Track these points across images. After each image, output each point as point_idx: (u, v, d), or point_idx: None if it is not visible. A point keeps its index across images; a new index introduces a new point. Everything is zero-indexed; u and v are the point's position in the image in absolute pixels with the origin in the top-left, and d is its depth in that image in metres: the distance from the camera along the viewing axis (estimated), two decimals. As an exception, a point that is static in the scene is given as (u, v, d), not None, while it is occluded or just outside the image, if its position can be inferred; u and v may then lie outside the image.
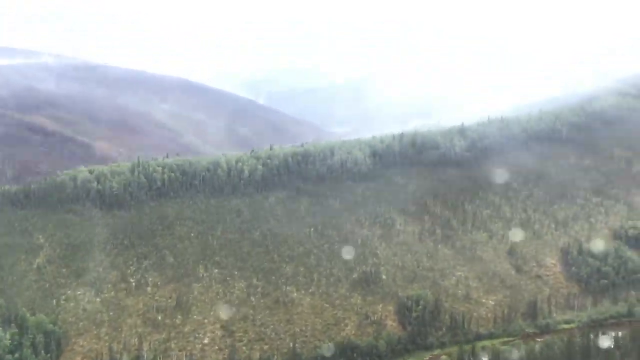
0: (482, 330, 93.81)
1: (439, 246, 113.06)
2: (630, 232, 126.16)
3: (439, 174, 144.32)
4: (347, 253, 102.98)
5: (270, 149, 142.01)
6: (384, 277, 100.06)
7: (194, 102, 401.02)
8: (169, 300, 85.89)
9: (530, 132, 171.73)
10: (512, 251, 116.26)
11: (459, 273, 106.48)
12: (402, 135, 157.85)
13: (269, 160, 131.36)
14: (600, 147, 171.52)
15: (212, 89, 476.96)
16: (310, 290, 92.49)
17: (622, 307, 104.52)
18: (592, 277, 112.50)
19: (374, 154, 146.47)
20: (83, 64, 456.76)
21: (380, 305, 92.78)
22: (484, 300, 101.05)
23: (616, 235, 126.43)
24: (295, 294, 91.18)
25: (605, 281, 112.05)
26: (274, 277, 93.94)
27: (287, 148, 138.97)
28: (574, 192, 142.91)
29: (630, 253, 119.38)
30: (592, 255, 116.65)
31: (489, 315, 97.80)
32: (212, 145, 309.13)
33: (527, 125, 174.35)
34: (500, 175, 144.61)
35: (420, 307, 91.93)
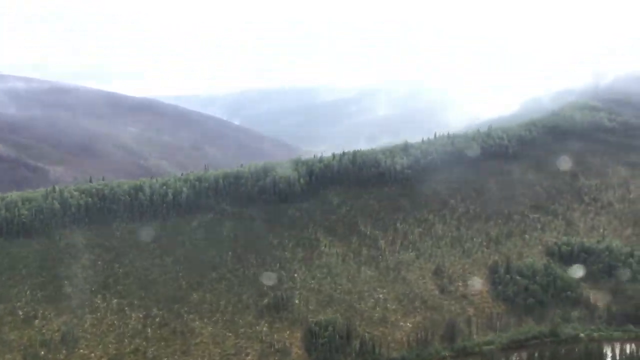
0: (394, 355, 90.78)
1: (362, 268, 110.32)
2: (564, 248, 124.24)
3: (376, 192, 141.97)
4: (266, 278, 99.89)
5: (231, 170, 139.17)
6: (296, 302, 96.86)
7: (163, 124, 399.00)
8: (56, 334, 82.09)
9: (475, 149, 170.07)
10: (438, 271, 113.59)
11: (379, 295, 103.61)
12: (342, 154, 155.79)
13: (197, 183, 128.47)
14: (547, 162, 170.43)
15: (184, 110, 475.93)
16: (213, 319, 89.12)
17: (545, 327, 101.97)
18: (519, 296, 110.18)
19: (311, 173, 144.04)
20: (54, 87, 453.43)
21: (287, 332, 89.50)
22: (401, 323, 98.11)
23: (549, 252, 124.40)
24: (197, 323, 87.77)
25: (533, 300, 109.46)
26: (177, 306, 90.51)
27: (219, 170, 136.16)
28: (512, 209, 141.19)
29: (560, 270, 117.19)
30: (521, 273, 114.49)
31: (404, 338, 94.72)
32: (179, 167, 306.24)
33: (474, 141, 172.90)
34: (437, 193, 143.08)
35: (328, 332, 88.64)
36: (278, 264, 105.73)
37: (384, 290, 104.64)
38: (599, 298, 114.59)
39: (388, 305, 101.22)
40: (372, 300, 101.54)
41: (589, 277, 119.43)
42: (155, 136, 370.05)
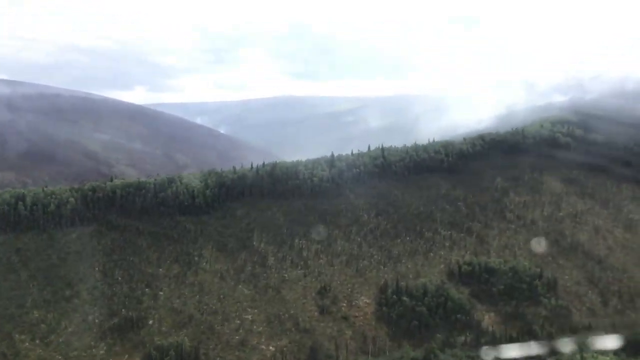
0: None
1: (240, 286, 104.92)
2: (464, 268, 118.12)
3: (286, 206, 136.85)
4: (122, 296, 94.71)
5: (111, 181, 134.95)
6: (150, 322, 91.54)
7: (138, 131, 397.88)
8: None
9: (407, 162, 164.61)
10: (323, 290, 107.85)
11: (247, 316, 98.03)
12: (263, 165, 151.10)
13: (90, 193, 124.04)
14: (481, 177, 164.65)
15: (167, 118, 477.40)
16: (47, 340, 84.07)
17: (419, 353, 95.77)
18: (403, 318, 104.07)
19: (221, 185, 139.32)
20: (36, 92, 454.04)
21: (126, 356, 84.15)
22: (262, 347, 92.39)
23: (449, 272, 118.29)
24: (27, 345, 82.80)
25: (417, 322, 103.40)
26: (10, 325, 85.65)
27: (117, 181, 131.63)
28: (426, 225, 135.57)
29: (454, 292, 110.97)
30: (410, 294, 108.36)
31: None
32: (145, 175, 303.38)
33: (406, 155, 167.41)
34: (352, 207, 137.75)
35: (168, 357, 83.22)
36: (145, 281, 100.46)
37: (255, 311, 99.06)
38: (492, 321, 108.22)
39: (254, 327, 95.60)
40: (238, 321, 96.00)
41: (488, 299, 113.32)
42: (126, 143, 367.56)
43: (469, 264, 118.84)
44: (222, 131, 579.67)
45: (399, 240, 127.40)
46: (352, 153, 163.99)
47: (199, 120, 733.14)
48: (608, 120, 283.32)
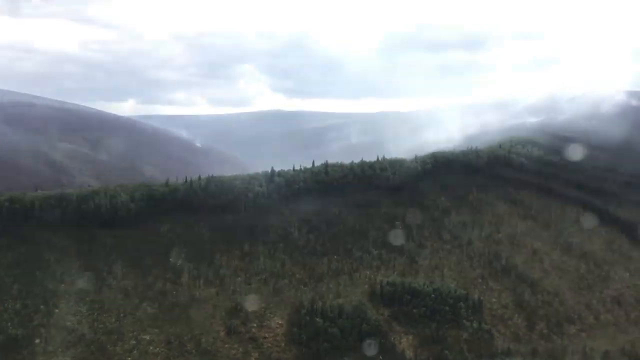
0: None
1: (144, 304, 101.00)
2: (387, 289, 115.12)
3: (215, 221, 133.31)
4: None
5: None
6: (36, 341, 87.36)
7: (107, 141, 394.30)
8: None
9: (351, 179, 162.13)
10: (235, 310, 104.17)
11: (145, 336, 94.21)
12: (198, 179, 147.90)
13: (7, 204, 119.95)
14: (426, 196, 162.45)
15: (136, 127, 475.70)
16: None
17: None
18: (314, 341, 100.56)
19: (150, 198, 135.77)
20: (8, 101, 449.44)
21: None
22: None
23: (371, 293, 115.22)
24: None
25: (327, 345, 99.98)
26: None
27: (39, 192, 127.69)
28: (358, 244, 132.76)
29: (372, 313, 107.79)
30: (325, 315, 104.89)
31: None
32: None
33: (350, 171, 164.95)
34: (284, 224, 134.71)
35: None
36: (43, 298, 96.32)
37: (155, 331, 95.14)
38: (410, 344, 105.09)
39: (150, 348, 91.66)
40: (134, 341, 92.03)
41: (408, 322, 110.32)
42: (92, 153, 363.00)
43: (392, 284, 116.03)
44: (200, 144, 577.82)
45: (325, 259, 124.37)
46: (293, 168, 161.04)
47: (185, 133, 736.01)
48: (576, 141, 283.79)
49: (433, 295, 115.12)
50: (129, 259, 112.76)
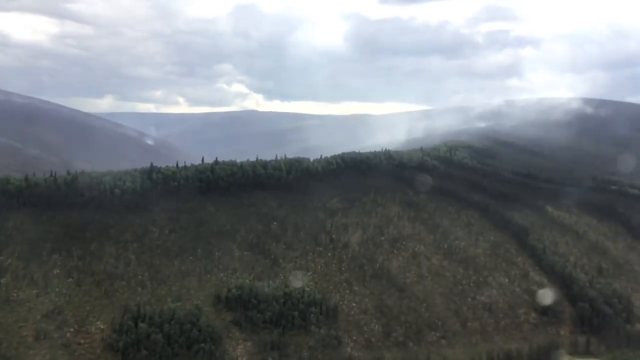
0: None
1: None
2: (233, 292, 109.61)
3: (73, 218, 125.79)
4: None
5: None
6: None
7: (46, 136, 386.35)
8: None
9: (238, 178, 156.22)
10: (52, 313, 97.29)
11: None
12: (67, 174, 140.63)
13: None
14: (318, 197, 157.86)
15: (91, 122, 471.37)
16: None
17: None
18: (133, 347, 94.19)
19: (3, 193, 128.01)
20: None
21: None
22: None
23: (217, 296, 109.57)
24: None
25: (147, 352, 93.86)
26: None
27: None
28: (223, 244, 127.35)
29: (207, 318, 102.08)
30: (151, 320, 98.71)
31: None
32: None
33: (239, 170, 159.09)
34: (147, 223, 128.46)
35: None
36: None
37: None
38: (246, 352, 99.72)
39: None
40: None
41: (250, 327, 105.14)
42: (24, 148, 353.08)
43: (240, 288, 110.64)
44: (152, 142, 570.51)
45: (177, 260, 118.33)
46: (177, 165, 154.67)
47: (153, 131, 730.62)
48: (512, 147, 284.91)
49: (282, 300, 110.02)
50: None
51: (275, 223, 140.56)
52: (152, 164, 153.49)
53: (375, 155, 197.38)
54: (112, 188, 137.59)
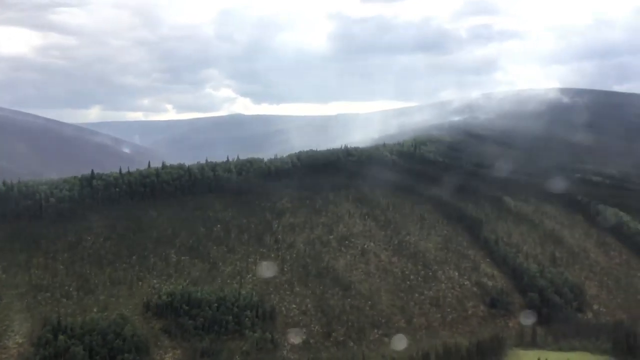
0: None
1: None
2: (164, 298, 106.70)
3: (4, 228, 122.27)
4: None
5: None
6: None
7: (15, 147, 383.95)
8: None
9: (184, 181, 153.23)
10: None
11: None
12: (2, 185, 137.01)
13: None
14: (267, 197, 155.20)
15: (64, 132, 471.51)
16: None
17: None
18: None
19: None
20: None
21: None
22: None
23: (148, 304, 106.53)
24: None
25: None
26: None
27: None
28: (160, 249, 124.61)
29: (132, 327, 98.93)
30: (72, 331, 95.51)
31: None
32: None
33: (185, 173, 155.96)
34: (80, 230, 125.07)
35: None
36: None
37: None
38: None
39: None
40: None
41: (181, 334, 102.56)
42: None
43: (171, 294, 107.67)
44: (129, 150, 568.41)
45: (110, 268, 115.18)
46: (120, 171, 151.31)
47: (137, 139, 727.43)
48: (483, 139, 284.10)
49: (216, 305, 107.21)
50: None
51: (219, 226, 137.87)
52: (92, 170, 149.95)
53: (332, 153, 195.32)
54: (48, 197, 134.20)
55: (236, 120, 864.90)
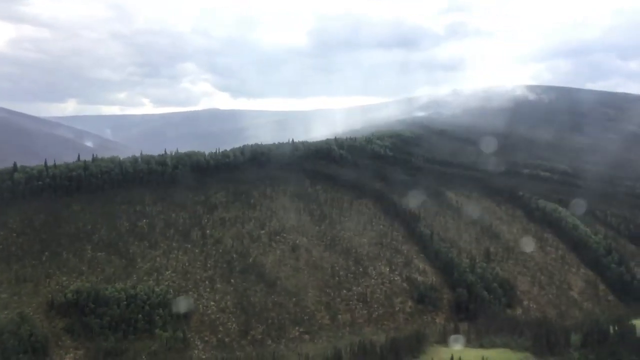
0: None
1: None
2: (69, 297, 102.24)
3: None
4: None
5: None
6: None
7: None
8: None
9: (115, 175, 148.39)
10: None
11: None
12: None
13: None
14: (203, 191, 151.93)
15: (23, 126, 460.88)
16: None
17: None
18: None
19: None
20: None
21: None
22: None
23: (52, 302, 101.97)
24: None
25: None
26: None
27: None
28: (75, 245, 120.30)
29: (29, 327, 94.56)
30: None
31: None
32: None
33: (117, 166, 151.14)
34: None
35: None
36: None
37: None
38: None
39: None
40: None
41: (85, 334, 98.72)
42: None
43: (77, 292, 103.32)
44: (92, 144, 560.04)
45: (18, 265, 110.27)
46: (45, 164, 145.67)
47: (109, 134, 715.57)
48: (442, 134, 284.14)
49: (125, 303, 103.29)
50: None
51: (145, 220, 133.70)
52: (15, 163, 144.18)
53: (278, 146, 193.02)
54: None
55: (212, 115, 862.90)
